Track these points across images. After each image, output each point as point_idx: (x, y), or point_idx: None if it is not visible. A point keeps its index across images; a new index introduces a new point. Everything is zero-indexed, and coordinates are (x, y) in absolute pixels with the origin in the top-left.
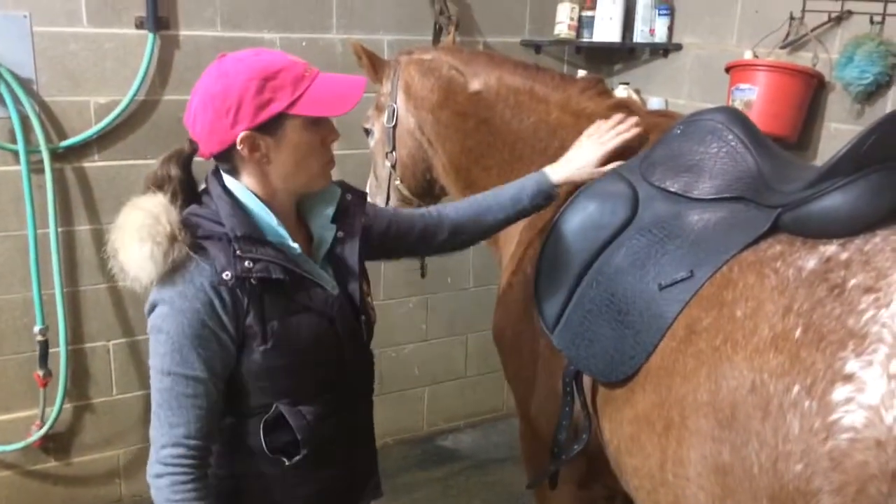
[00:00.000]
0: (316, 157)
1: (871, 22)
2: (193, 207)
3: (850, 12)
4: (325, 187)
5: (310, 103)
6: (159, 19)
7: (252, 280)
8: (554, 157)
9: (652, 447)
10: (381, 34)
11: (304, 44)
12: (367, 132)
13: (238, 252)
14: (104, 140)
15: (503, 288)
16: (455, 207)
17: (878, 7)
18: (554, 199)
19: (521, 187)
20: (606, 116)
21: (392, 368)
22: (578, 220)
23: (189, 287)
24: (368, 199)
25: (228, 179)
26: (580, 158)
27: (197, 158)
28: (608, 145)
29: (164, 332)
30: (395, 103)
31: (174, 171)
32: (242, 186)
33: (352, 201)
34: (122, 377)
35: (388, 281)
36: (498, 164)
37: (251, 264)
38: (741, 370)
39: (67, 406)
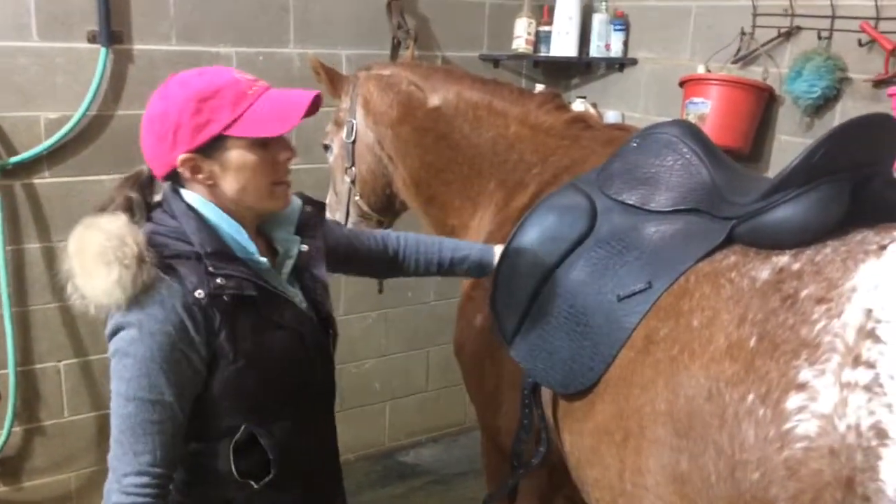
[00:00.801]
0: (264, 178)
1: (819, 37)
2: (152, 226)
3: (798, 28)
4: (282, 209)
5: (248, 123)
6: (113, 33)
7: (225, 297)
8: (513, 170)
9: (611, 458)
10: (339, 49)
11: (261, 58)
12: (327, 148)
13: (210, 269)
14: (55, 156)
15: (463, 302)
16: (402, 240)
17: (826, 23)
18: (487, 274)
19: (468, 250)
20: (564, 130)
21: (352, 384)
22: (537, 232)
23: (159, 309)
24: (327, 213)
25: (188, 195)
26: None
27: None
28: None
29: (131, 356)
30: (355, 119)
31: (131, 193)
32: (205, 201)
33: (312, 212)
34: (73, 398)
35: (347, 296)
36: (458, 178)
37: (224, 281)
38: (698, 379)
39: (17, 429)
